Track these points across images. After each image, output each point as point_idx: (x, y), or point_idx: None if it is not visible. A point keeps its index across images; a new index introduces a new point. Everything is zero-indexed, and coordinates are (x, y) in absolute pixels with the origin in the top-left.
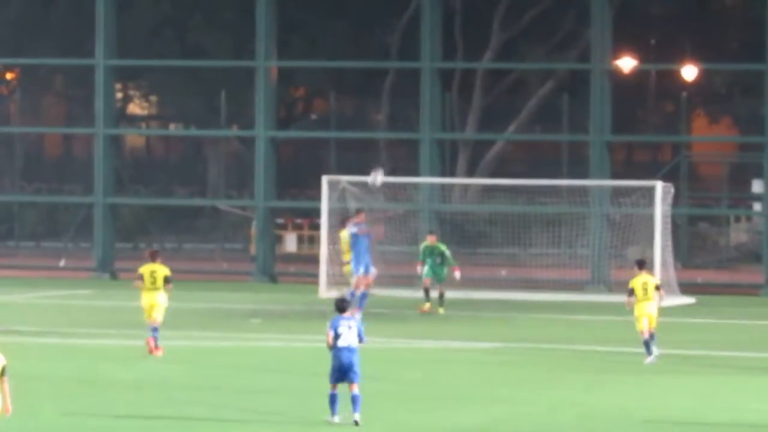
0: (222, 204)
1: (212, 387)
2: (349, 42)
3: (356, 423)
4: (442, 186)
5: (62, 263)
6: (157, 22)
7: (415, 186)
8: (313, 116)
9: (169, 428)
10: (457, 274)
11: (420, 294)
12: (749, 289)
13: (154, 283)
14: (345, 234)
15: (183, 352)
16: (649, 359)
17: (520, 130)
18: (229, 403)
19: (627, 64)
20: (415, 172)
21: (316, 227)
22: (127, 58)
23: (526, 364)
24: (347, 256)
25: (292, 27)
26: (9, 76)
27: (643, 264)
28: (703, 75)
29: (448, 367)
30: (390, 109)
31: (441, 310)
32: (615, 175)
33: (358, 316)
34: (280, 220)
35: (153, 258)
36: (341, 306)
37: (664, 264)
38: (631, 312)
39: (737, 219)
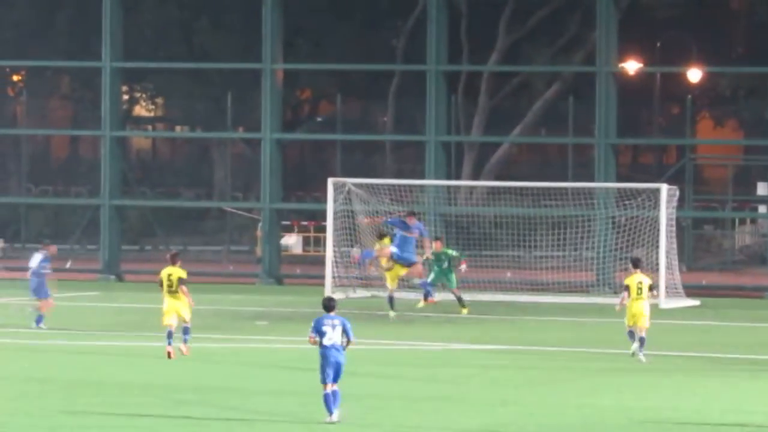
0: (228, 206)
1: (219, 388)
2: (355, 44)
3: (332, 421)
4: (448, 188)
5: (68, 265)
6: (164, 24)
7: (421, 188)
8: (319, 118)
9: (176, 429)
10: (464, 267)
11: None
12: (754, 292)
13: (171, 286)
14: (386, 242)
15: (189, 355)
16: (636, 347)
17: (526, 133)
18: (237, 405)
19: (632, 66)
20: (421, 175)
21: (322, 229)
22: (134, 60)
23: (531, 366)
24: (384, 261)
25: (298, 29)
26: (16, 78)
27: (638, 263)
28: (709, 78)
29: (454, 369)
30: (396, 111)
31: (464, 311)
32: (620, 178)
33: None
34: (286, 222)
35: (173, 261)
36: (328, 305)
37: (669, 266)
38: (622, 312)
39: (742, 222)
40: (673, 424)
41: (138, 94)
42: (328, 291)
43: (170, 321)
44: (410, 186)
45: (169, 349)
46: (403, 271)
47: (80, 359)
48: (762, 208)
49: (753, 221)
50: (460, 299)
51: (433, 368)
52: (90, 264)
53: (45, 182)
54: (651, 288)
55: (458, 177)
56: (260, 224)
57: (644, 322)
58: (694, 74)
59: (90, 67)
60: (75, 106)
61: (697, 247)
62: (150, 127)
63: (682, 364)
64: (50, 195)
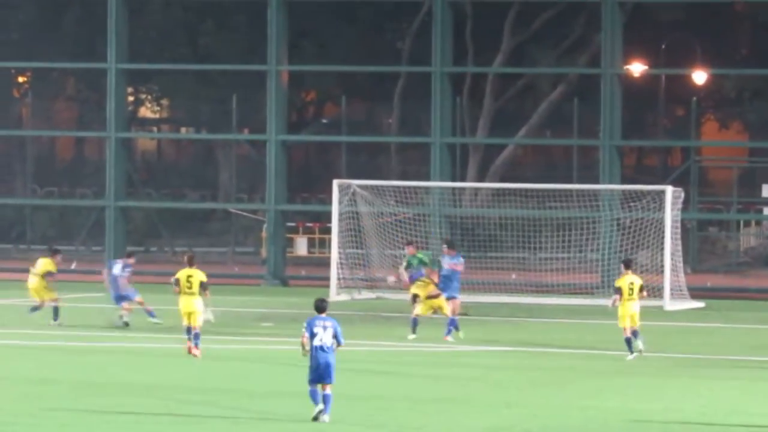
0: (233, 207)
1: (224, 390)
2: (360, 46)
3: (323, 419)
4: (453, 190)
5: (74, 266)
6: (169, 26)
7: (426, 190)
8: (324, 120)
9: (181, 430)
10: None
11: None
12: (758, 294)
13: (190, 287)
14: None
15: (194, 357)
16: (631, 357)
17: (531, 135)
18: (242, 406)
19: (637, 68)
20: (426, 176)
21: (327, 231)
22: (139, 61)
23: (535, 367)
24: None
25: (303, 31)
26: (21, 79)
27: (630, 264)
28: (713, 80)
29: (459, 370)
30: (401, 113)
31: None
32: (625, 180)
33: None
34: (291, 224)
35: (190, 263)
36: (320, 306)
37: (673, 268)
38: (614, 311)
39: (747, 223)
40: (677, 425)
41: (143, 96)
42: (333, 292)
43: (186, 321)
44: (415, 187)
45: (196, 352)
46: (441, 304)
47: (85, 360)
48: (767, 210)
49: (758, 223)
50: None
51: (438, 369)
52: (95, 265)
53: (50, 183)
54: (642, 288)
55: (463, 179)
56: (265, 226)
57: (635, 321)
58: (699, 76)
59: (95, 69)
60: (80, 107)
61: (701, 249)
62: (155, 129)
63: (687, 365)
64: (55, 196)
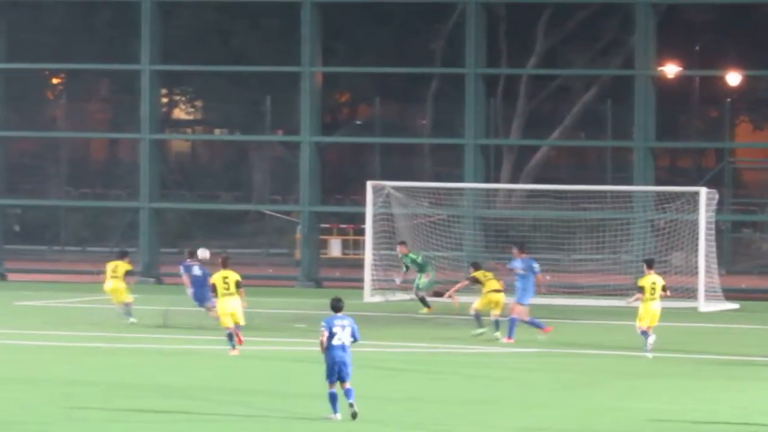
0: (267, 209)
1: (258, 391)
2: (394, 47)
3: (353, 410)
4: (486, 191)
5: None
6: (202, 27)
7: (460, 191)
8: (358, 121)
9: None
10: (424, 280)
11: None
12: None
13: (227, 288)
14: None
15: (229, 357)
16: (650, 345)
17: (564, 136)
18: (275, 407)
19: (671, 70)
20: (460, 178)
21: (361, 232)
22: (172, 63)
23: (568, 369)
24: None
25: (336, 33)
26: (55, 81)
27: (652, 264)
28: (747, 81)
29: (491, 371)
30: (434, 114)
31: (424, 310)
32: (659, 181)
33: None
34: (325, 225)
35: (224, 264)
36: (336, 305)
37: (708, 270)
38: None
39: None
40: (710, 425)
41: (177, 97)
42: (367, 294)
43: (228, 323)
44: (449, 189)
45: (234, 352)
46: (498, 300)
47: (119, 361)
48: None
49: None
50: (423, 300)
51: (470, 370)
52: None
53: (84, 185)
54: (664, 288)
55: (497, 180)
56: (299, 227)
57: (654, 322)
58: (733, 78)
59: (129, 70)
60: (114, 109)
61: (735, 251)
62: (189, 130)
63: (721, 367)
64: (89, 198)
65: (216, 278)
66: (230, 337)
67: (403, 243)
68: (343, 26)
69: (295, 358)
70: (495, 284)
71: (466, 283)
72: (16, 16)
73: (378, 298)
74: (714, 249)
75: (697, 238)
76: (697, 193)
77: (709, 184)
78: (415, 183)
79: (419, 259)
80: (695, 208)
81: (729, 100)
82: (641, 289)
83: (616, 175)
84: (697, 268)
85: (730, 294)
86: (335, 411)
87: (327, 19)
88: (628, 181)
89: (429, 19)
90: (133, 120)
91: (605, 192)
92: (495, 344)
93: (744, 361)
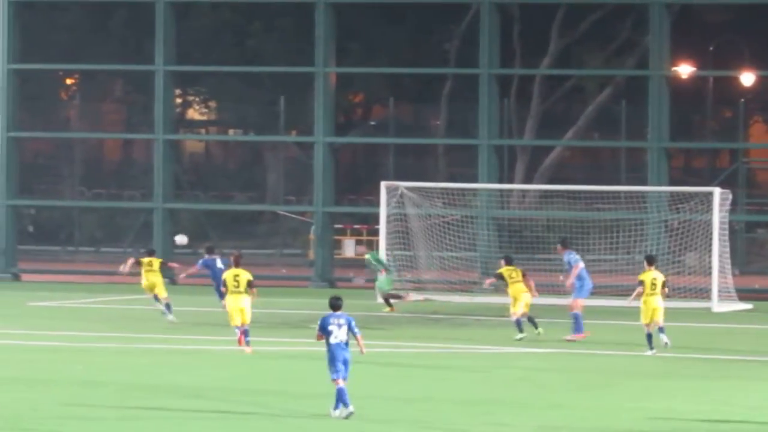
0: (281, 209)
1: (272, 391)
2: (408, 48)
3: (350, 413)
4: (500, 192)
5: (122, 268)
6: (216, 28)
7: (474, 192)
8: (372, 122)
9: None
10: (380, 277)
11: (478, 300)
12: None
13: (237, 286)
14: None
15: (243, 358)
16: (650, 353)
17: (578, 136)
18: (290, 408)
19: (685, 70)
20: (474, 178)
21: (375, 233)
22: (187, 64)
23: (583, 369)
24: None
25: (350, 33)
26: (69, 81)
27: (653, 260)
28: (761, 81)
29: (506, 372)
30: (448, 114)
31: (386, 309)
32: (673, 182)
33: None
34: (338, 225)
35: (237, 263)
36: (334, 304)
37: (721, 270)
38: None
39: None
40: (725, 424)
41: (191, 98)
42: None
43: (237, 321)
44: (463, 189)
45: (247, 349)
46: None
47: (134, 361)
48: None
49: None
50: (386, 300)
51: (485, 371)
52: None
53: (98, 185)
54: (664, 285)
55: (511, 180)
56: (313, 228)
57: (659, 316)
58: (747, 78)
59: (143, 71)
60: (128, 109)
61: (749, 251)
62: (203, 131)
63: (735, 367)
64: (103, 198)
65: (228, 275)
66: (245, 333)
67: (361, 244)
68: (357, 27)
69: (310, 358)
70: (520, 286)
71: (494, 280)
72: (31, 16)
73: (392, 299)
74: (727, 249)
75: (711, 239)
76: (710, 194)
77: (722, 185)
78: (429, 183)
79: (374, 260)
80: (709, 209)
81: (743, 100)
82: (641, 283)
83: (630, 175)
84: (710, 268)
85: (743, 294)
86: (347, 405)
87: (341, 20)
88: (642, 182)
89: (443, 19)
90: (147, 120)
91: (619, 192)
92: (512, 344)
93: (758, 362)
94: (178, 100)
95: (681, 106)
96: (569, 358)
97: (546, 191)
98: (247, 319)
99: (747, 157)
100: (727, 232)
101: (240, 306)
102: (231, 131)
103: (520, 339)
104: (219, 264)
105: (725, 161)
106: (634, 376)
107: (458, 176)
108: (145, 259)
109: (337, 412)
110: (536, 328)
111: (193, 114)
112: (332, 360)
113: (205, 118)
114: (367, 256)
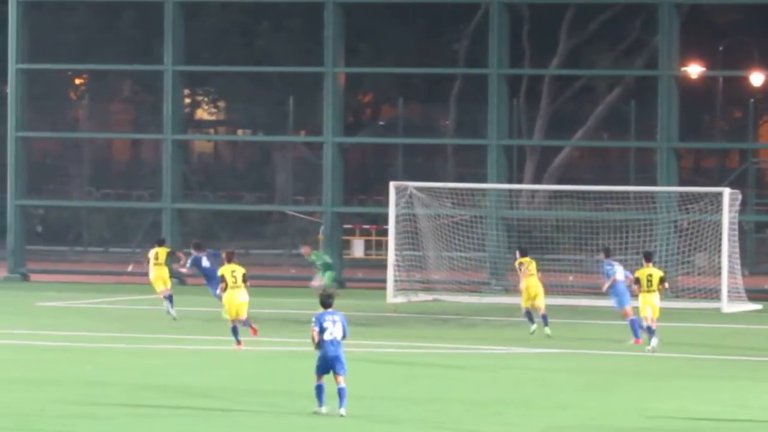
0: (290, 210)
1: (281, 392)
2: (417, 48)
3: (341, 416)
4: (510, 192)
5: (130, 268)
6: (225, 28)
7: (483, 192)
8: (381, 122)
9: None
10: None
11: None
12: None
13: (236, 282)
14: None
15: (251, 358)
16: (654, 344)
17: (588, 137)
18: (300, 408)
19: (694, 70)
20: (483, 178)
21: (384, 233)
22: (195, 64)
23: (592, 369)
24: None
25: (359, 33)
26: (77, 81)
27: (650, 257)
28: None
29: (515, 372)
30: (457, 115)
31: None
32: (682, 182)
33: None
34: (347, 226)
35: (229, 259)
36: (326, 302)
37: (731, 270)
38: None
39: None
40: (734, 423)
41: (200, 98)
42: (390, 295)
43: (234, 316)
44: (472, 190)
45: (240, 347)
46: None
47: (142, 362)
48: None
49: None
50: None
51: (494, 371)
52: None
53: (107, 186)
54: (662, 281)
55: (520, 181)
56: (322, 228)
57: (655, 314)
58: (757, 78)
59: (152, 71)
60: (137, 109)
61: (759, 251)
62: (212, 131)
63: (745, 368)
64: (112, 198)
65: (225, 272)
66: (235, 331)
67: (306, 244)
68: (367, 27)
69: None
70: (534, 279)
71: (521, 271)
72: (39, 16)
73: (401, 299)
74: (737, 249)
75: (720, 239)
76: (720, 194)
77: (732, 185)
78: (438, 183)
79: (327, 258)
80: (718, 209)
81: (752, 100)
82: (637, 281)
83: (640, 175)
84: (720, 268)
85: (753, 295)
86: (321, 404)
87: (350, 20)
88: (652, 182)
89: (452, 19)
90: (155, 120)
91: (628, 192)
92: (520, 344)
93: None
94: (187, 100)
95: (690, 106)
96: (578, 358)
97: (555, 191)
98: (244, 314)
99: (756, 157)
100: (736, 233)
101: (241, 300)
102: (240, 131)
103: (533, 332)
104: (205, 262)
105: (735, 161)
106: (643, 377)
107: (467, 176)
108: (152, 251)
109: (325, 408)
110: (531, 324)
111: (201, 114)
112: (322, 357)
113: (213, 118)
114: (312, 257)
